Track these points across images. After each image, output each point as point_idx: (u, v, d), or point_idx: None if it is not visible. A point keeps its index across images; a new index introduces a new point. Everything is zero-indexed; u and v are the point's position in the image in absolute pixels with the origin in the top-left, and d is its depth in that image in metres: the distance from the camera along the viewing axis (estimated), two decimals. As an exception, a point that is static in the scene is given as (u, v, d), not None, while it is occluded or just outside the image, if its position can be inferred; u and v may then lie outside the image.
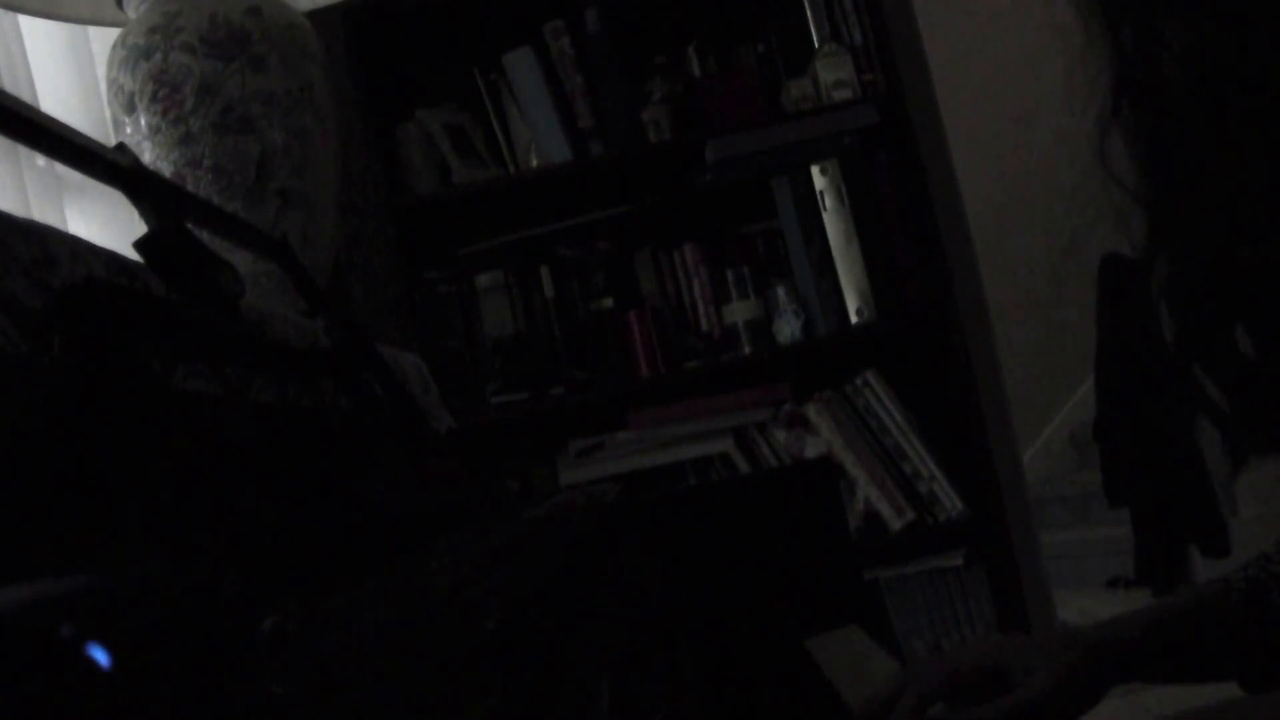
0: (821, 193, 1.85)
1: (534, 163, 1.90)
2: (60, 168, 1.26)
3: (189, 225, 0.43)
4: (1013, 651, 0.65)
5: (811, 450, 1.84)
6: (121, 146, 0.42)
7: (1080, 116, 0.52)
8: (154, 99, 0.97)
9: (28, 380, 0.27)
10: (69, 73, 1.44)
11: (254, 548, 0.29)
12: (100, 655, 0.13)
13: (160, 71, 0.97)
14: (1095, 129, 0.52)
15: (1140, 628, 0.65)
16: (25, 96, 1.34)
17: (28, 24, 1.34)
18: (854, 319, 1.83)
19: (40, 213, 1.25)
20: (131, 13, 1.04)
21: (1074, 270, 3.67)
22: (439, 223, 1.92)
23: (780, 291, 1.86)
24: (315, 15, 1.14)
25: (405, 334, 1.88)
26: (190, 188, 0.96)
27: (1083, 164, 0.52)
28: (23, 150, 1.22)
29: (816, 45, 1.92)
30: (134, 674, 0.14)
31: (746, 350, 1.86)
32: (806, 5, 1.93)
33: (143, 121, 0.98)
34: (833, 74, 1.88)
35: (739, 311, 1.87)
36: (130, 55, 0.99)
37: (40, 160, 1.25)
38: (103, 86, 1.07)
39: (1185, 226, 0.50)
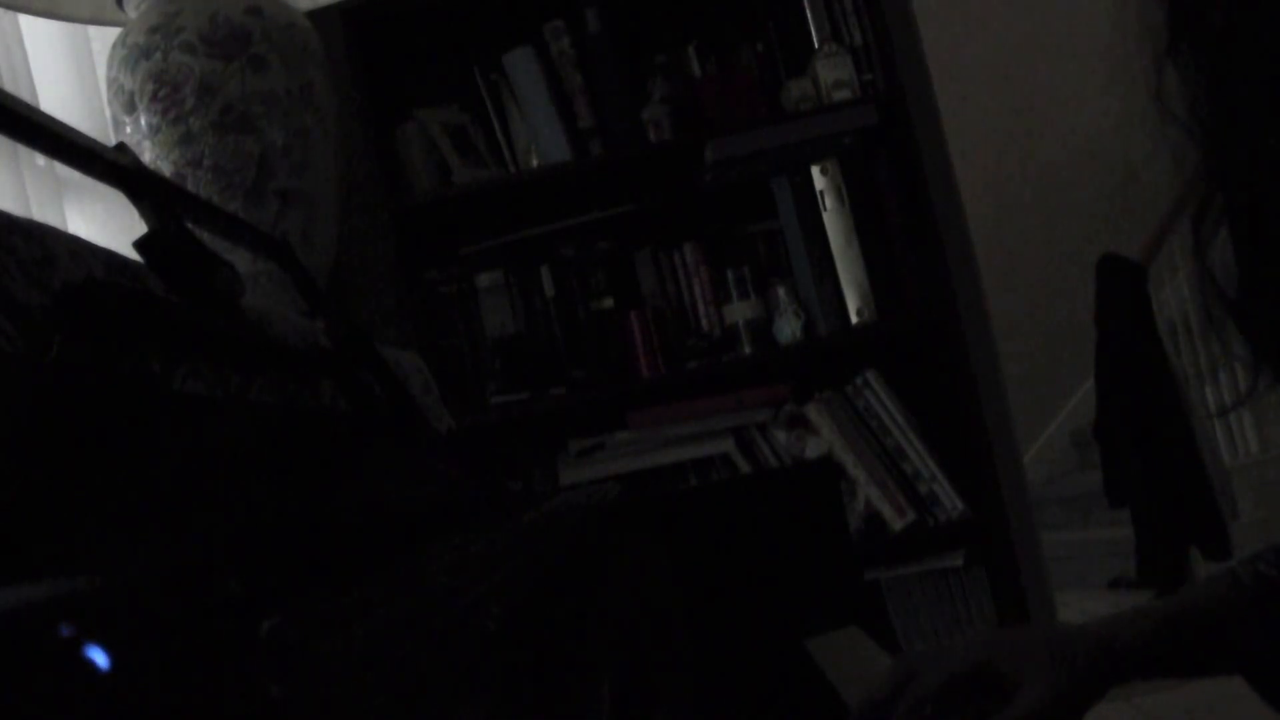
0: (821, 193, 1.85)
1: (534, 163, 1.90)
2: (60, 168, 1.26)
3: (189, 225, 0.43)
4: (1008, 651, 0.64)
5: (812, 450, 1.84)
6: (121, 146, 0.42)
7: (1126, 64, 0.52)
8: (154, 99, 0.97)
9: (28, 380, 0.27)
10: (69, 73, 1.44)
11: (254, 548, 0.29)
12: (100, 656, 0.13)
13: (160, 71, 0.97)
14: (1151, 67, 0.52)
15: (1145, 629, 0.63)
16: (25, 96, 1.34)
17: (28, 24, 1.34)
18: (854, 319, 1.83)
19: (40, 213, 1.25)
20: (131, 12, 1.04)
21: (1074, 271, 3.66)
22: (439, 223, 1.92)
23: (780, 291, 1.86)
24: (315, 15, 1.14)
25: (405, 334, 1.88)
26: (190, 188, 0.96)
27: (1139, 105, 0.52)
28: (23, 150, 1.22)
29: (816, 45, 1.92)
30: (134, 674, 0.14)
31: (747, 350, 1.86)
32: (806, 5, 1.93)
33: (143, 121, 0.98)
34: (833, 74, 1.88)
35: (739, 311, 1.87)
36: (130, 55, 0.99)
37: (40, 160, 1.25)
38: (103, 86, 1.07)
39: (1242, 163, 0.49)
